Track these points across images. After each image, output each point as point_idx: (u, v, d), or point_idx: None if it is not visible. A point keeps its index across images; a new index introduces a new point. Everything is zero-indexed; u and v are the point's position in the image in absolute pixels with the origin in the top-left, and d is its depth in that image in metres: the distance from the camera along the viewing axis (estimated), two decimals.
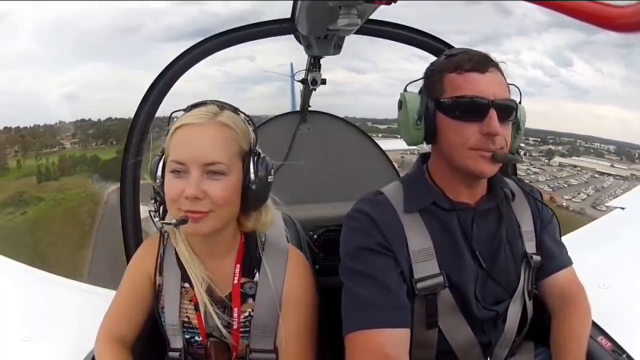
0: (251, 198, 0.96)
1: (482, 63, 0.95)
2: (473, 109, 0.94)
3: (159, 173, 0.96)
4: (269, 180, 0.97)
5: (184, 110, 0.98)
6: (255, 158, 0.96)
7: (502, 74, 1.00)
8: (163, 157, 0.96)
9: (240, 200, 0.96)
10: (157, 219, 0.97)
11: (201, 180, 0.90)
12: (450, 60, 0.98)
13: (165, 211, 0.99)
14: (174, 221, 0.91)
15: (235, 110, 0.99)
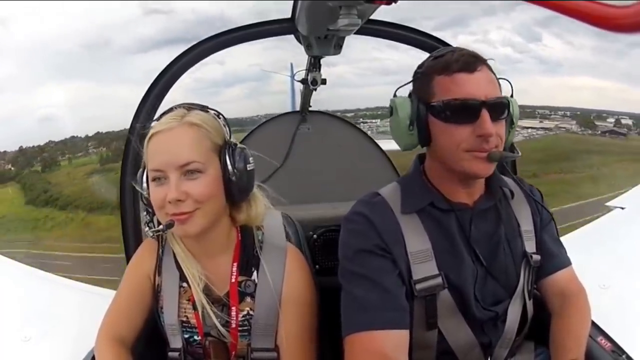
0: (234, 190, 0.97)
1: (470, 62, 0.93)
2: (465, 112, 0.93)
3: (145, 185, 0.98)
4: (248, 169, 0.98)
5: (156, 120, 1.00)
6: (231, 150, 0.97)
7: (492, 70, 0.98)
8: (145, 169, 0.99)
9: (224, 194, 0.97)
10: (146, 228, 1.00)
11: (180, 182, 0.92)
12: (438, 62, 0.97)
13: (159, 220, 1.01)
14: (161, 227, 0.93)
15: (204, 108, 1.01)
